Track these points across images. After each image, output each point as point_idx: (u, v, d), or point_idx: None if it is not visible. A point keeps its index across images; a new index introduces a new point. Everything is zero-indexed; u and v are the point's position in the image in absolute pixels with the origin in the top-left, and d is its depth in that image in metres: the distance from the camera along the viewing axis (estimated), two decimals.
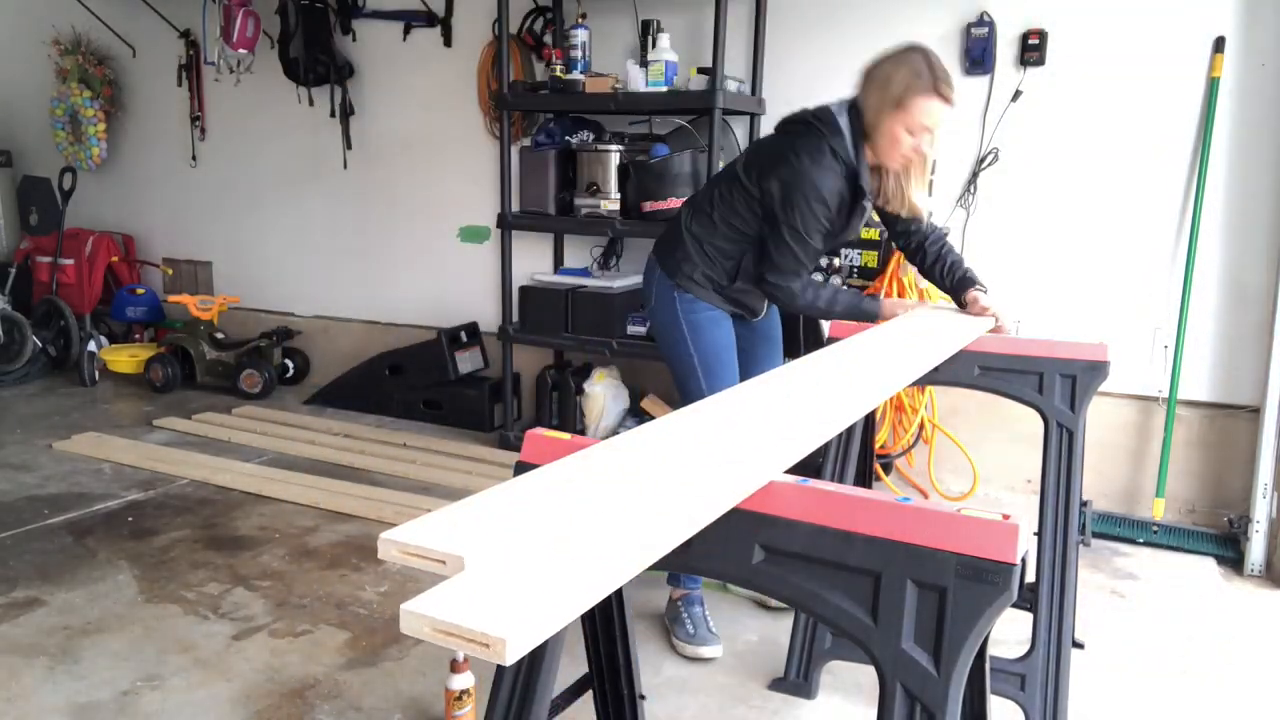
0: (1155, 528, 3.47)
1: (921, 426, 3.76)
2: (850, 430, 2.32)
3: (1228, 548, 3.36)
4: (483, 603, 0.79)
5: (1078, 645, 2.64)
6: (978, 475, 3.65)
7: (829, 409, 1.42)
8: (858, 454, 2.39)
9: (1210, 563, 3.31)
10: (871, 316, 2.43)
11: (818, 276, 3.77)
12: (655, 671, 2.48)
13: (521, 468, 1.29)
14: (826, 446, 2.32)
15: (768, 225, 2.43)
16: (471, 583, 0.83)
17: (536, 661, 1.33)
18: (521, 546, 0.90)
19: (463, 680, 2.11)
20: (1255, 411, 3.36)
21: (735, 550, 1.19)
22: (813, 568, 1.15)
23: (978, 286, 2.53)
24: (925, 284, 3.57)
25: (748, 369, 2.66)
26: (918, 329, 2.24)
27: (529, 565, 0.86)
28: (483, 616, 0.76)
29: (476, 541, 0.89)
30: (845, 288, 2.83)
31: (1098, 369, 2.19)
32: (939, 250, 2.59)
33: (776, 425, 1.32)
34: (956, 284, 2.55)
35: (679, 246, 2.58)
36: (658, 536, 0.94)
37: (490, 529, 0.94)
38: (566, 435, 1.35)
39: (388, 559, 0.90)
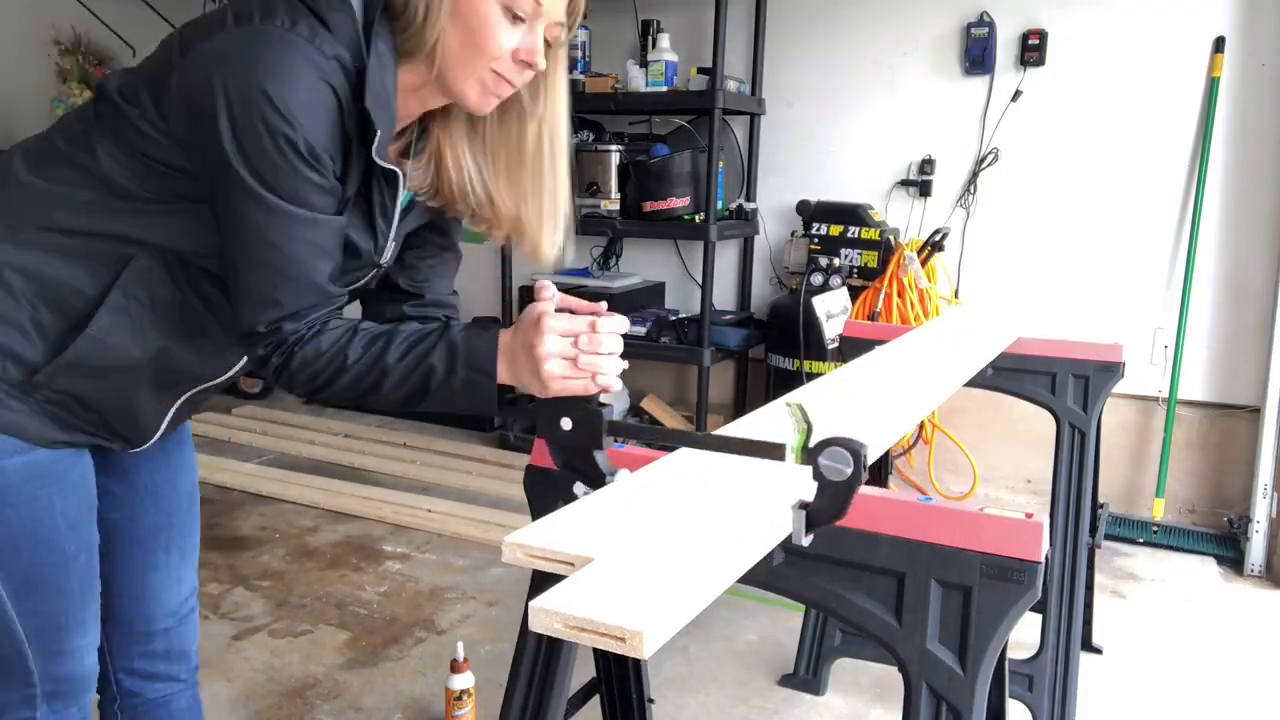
0: (1155, 528, 3.47)
1: (921, 426, 3.76)
2: None
3: (1228, 548, 3.36)
4: (613, 597, 0.80)
5: (1095, 650, 2.64)
6: (977, 475, 3.65)
7: (891, 411, 1.41)
8: None
9: (1210, 563, 3.31)
10: (486, 402, 1.12)
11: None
12: (655, 670, 2.48)
13: (531, 472, 1.28)
14: None
15: (211, 191, 1.08)
16: (596, 578, 0.84)
17: (552, 662, 1.32)
18: (637, 545, 0.92)
19: (463, 680, 2.11)
20: (1255, 411, 3.35)
21: None
22: (835, 569, 1.15)
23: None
24: (926, 284, 3.58)
25: (129, 563, 1.39)
26: (946, 333, 2.22)
27: (648, 561, 0.88)
28: (618, 611, 0.77)
29: (597, 543, 0.91)
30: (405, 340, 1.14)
31: (1111, 370, 2.18)
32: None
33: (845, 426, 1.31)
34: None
35: None
36: (752, 542, 0.95)
37: (601, 532, 0.95)
38: None
39: (512, 562, 0.91)
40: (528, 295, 4.30)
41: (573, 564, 0.88)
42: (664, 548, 0.91)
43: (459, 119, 1.20)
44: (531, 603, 0.78)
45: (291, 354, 1.10)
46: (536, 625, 0.78)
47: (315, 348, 1.10)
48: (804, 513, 0.96)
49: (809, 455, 0.93)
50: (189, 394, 1.27)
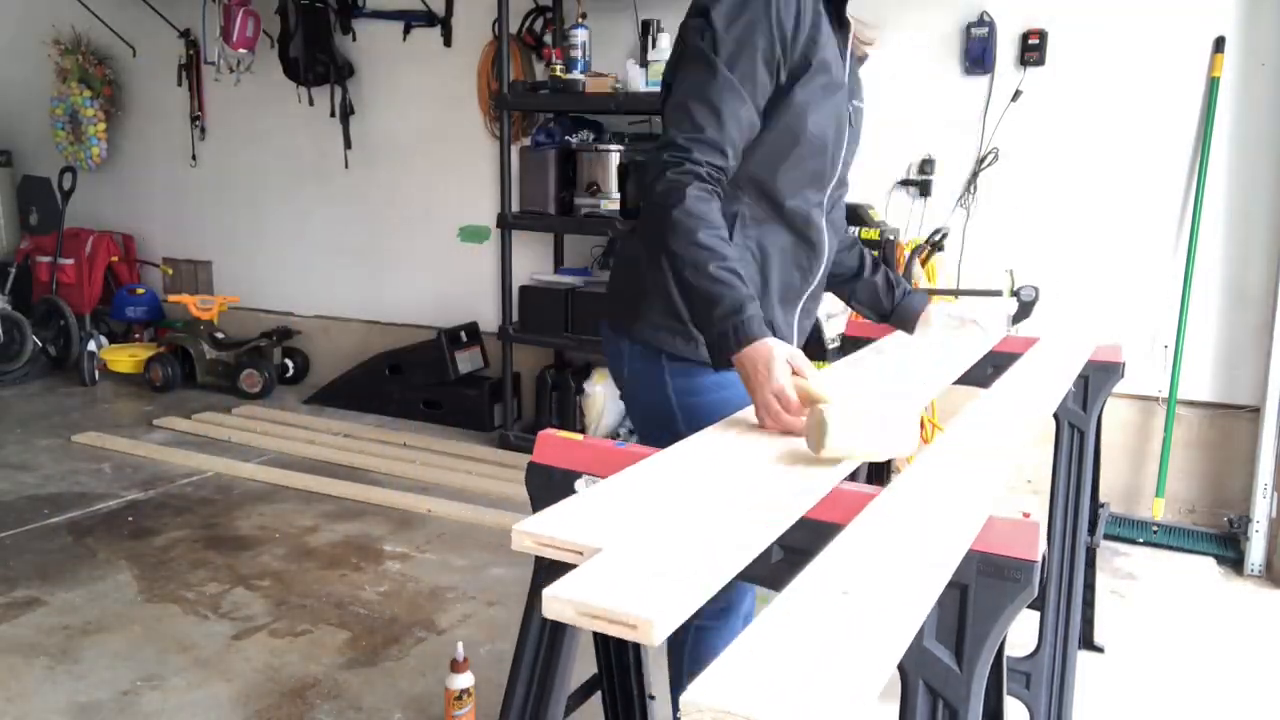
0: (1155, 528, 3.47)
1: (921, 426, 3.76)
2: None
3: (1228, 548, 3.36)
4: (623, 586, 0.82)
5: (1097, 649, 2.65)
6: None
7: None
8: None
9: (1210, 563, 3.31)
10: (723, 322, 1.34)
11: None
12: (656, 667, 2.47)
13: (533, 469, 1.29)
14: None
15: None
16: (605, 567, 0.87)
17: (553, 658, 1.32)
18: (644, 535, 0.94)
19: (463, 680, 2.11)
20: (1255, 411, 3.35)
21: None
22: None
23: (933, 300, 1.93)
24: (926, 284, 3.57)
25: None
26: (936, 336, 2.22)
27: (655, 551, 0.90)
28: (628, 599, 0.79)
29: (604, 533, 0.94)
30: (730, 242, 1.48)
31: (1111, 370, 2.18)
32: (862, 253, 1.93)
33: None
34: (904, 300, 1.91)
35: (632, 282, 1.62)
36: (756, 533, 0.98)
37: (607, 522, 0.98)
38: (579, 436, 1.34)
39: (521, 549, 0.93)
40: (527, 295, 4.32)
41: (582, 553, 0.90)
42: (670, 538, 0.93)
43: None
44: (545, 590, 0.81)
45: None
46: (550, 612, 0.81)
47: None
48: (1010, 316, 2.16)
49: (1014, 292, 2.19)
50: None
